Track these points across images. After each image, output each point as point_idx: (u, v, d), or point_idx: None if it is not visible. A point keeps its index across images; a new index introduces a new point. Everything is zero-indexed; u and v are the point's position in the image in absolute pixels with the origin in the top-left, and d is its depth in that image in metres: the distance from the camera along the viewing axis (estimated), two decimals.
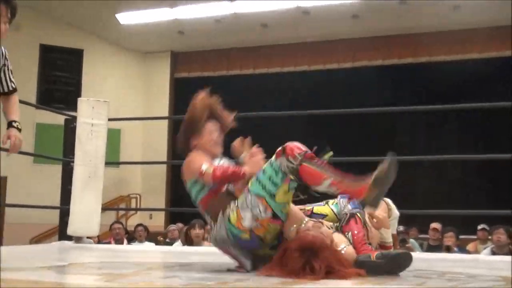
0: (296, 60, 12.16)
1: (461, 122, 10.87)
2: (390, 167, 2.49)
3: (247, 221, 2.57)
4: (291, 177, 2.55)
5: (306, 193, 2.62)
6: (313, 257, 2.34)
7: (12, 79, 2.80)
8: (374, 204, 2.54)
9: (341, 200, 2.78)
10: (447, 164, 10.43)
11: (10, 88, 2.76)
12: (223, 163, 2.79)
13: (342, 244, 2.56)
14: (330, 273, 2.30)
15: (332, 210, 2.80)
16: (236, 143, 2.95)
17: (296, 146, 2.59)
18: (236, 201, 2.63)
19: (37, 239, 10.57)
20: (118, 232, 8.05)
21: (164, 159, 12.28)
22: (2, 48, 2.71)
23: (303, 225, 2.62)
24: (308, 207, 2.85)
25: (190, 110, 2.99)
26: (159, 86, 12.95)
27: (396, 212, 3.10)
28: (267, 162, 2.63)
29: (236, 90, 12.14)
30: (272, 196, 2.57)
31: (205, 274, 2.53)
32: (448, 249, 6.55)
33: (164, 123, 12.63)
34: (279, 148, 2.60)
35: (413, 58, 11.52)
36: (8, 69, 2.77)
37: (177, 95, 12.90)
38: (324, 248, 2.40)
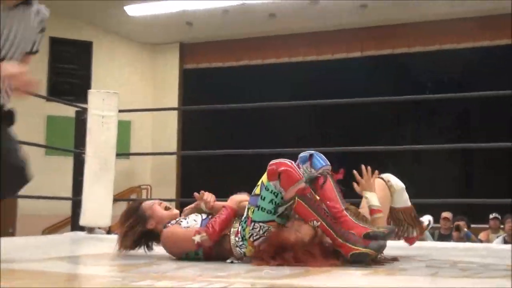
0: (305, 50, 12.10)
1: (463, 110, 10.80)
2: (385, 239, 2.45)
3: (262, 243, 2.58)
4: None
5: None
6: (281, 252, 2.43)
7: (40, 43, 2.82)
8: (357, 261, 2.43)
9: (304, 166, 2.68)
10: (455, 153, 10.38)
11: (35, 50, 2.74)
12: (191, 220, 2.80)
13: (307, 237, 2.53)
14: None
15: None
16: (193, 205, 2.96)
17: (291, 174, 2.50)
18: (240, 236, 2.64)
19: (50, 230, 10.63)
20: None
21: (174, 150, 12.30)
22: (44, 10, 2.72)
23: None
24: None
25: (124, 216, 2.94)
26: (168, 78, 12.94)
27: (399, 184, 3.00)
28: (260, 186, 2.58)
29: (245, 80, 12.13)
30: (282, 216, 2.58)
31: (218, 265, 2.53)
32: (458, 229, 6.49)
33: (174, 114, 12.63)
34: (271, 169, 2.52)
35: (422, 46, 11.44)
36: (43, 33, 2.77)
37: (186, 86, 12.88)
38: (297, 245, 2.44)
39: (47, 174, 11.29)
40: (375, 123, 11.01)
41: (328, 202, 2.58)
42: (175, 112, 12.69)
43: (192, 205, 2.96)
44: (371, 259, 2.44)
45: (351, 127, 10.84)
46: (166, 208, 2.91)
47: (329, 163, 2.70)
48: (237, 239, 2.65)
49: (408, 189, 3.02)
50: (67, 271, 2.32)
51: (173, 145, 12.41)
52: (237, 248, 2.64)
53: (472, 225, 7.45)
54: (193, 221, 2.79)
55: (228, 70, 12.38)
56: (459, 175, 10.85)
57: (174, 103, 12.49)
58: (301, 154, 2.72)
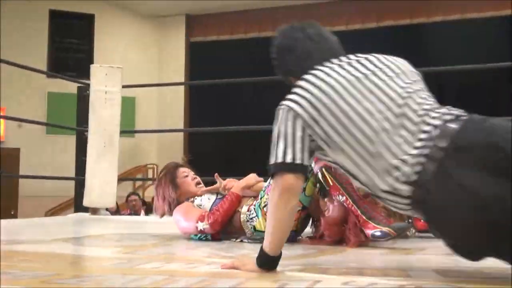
0: (320, 21, 11.97)
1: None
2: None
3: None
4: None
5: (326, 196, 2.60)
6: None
7: None
8: (379, 240, 2.45)
9: None
10: None
11: None
12: (205, 198, 2.86)
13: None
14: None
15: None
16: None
17: None
18: (253, 208, 2.67)
19: (53, 212, 10.71)
20: (134, 204, 8.13)
21: (181, 127, 12.30)
22: None
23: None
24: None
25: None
26: (174, 51, 12.91)
27: None
28: None
29: (255, 53, 12.05)
30: (302, 189, 2.56)
31: (228, 245, 2.54)
32: None
33: (180, 90, 12.61)
34: None
35: (427, 18, 11.33)
36: None
37: (193, 60, 12.84)
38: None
39: (48, 153, 11.39)
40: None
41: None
42: (182, 88, 12.67)
43: (210, 187, 2.99)
44: (392, 239, 2.45)
45: None
46: (197, 184, 2.98)
47: None
48: (248, 213, 2.70)
49: None
50: (71, 253, 2.34)
51: (180, 122, 12.42)
52: (247, 223, 2.69)
53: None
54: (206, 200, 2.87)
55: (237, 42, 12.31)
56: None
57: (181, 78, 12.47)
58: None
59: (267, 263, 1.66)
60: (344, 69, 1.69)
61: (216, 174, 2.99)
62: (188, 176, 2.98)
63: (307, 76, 1.70)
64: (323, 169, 2.52)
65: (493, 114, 1.60)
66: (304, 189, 2.58)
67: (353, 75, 1.66)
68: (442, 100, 1.76)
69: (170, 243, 2.67)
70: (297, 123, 1.63)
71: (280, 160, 1.62)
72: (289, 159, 1.61)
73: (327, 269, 1.74)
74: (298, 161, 1.61)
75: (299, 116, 1.63)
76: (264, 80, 6.33)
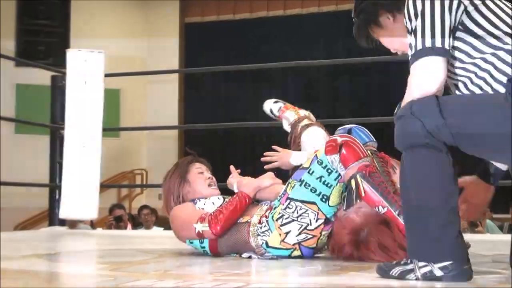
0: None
1: None
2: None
3: (293, 236, 2.62)
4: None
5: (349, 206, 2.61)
6: (363, 240, 2.47)
7: None
8: None
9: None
10: None
11: None
12: (209, 202, 2.86)
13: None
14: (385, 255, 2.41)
15: None
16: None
17: (354, 148, 2.54)
18: (265, 220, 2.66)
19: (23, 226, 10.75)
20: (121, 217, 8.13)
21: (175, 124, 12.30)
22: None
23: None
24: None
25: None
26: (166, 34, 12.91)
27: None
28: (312, 159, 2.61)
29: (262, 35, 12.07)
30: (325, 199, 2.59)
31: (231, 261, 2.55)
32: None
33: (174, 79, 12.60)
34: (331, 141, 2.58)
35: None
36: None
37: (189, 44, 12.84)
38: (370, 222, 2.51)
39: (17, 155, 11.41)
40: None
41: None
42: (175, 77, 12.68)
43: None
44: None
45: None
46: (210, 185, 2.98)
47: (373, 138, 2.71)
48: (259, 226, 2.67)
49: None
50: (46, 270, 2.36)
51: (173, 119, 12.42)
52: (258, 237, 2.66)
53: None
54: (211, 204, 2.85)
55: (241, 23, 12.32)
56: None
57: (174, 65, 12.48)
58: (340, 128, 2.74)
59: None
60: None
61: (232, 166, 3.00)
62: (202, 174, 2.98)
63: None
64: (358, 176, 2.51)
65: None
66: (328, 198, 2.59)
67: None
68: None
69: (163, 259, 2.69)
70: None
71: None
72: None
73: None
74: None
75: None
76: (272, 66, 6.35)
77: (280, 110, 3.39)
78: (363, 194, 2.50)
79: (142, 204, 9.25)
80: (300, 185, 2.60)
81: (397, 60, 5.41)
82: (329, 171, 2.56)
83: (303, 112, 3.31)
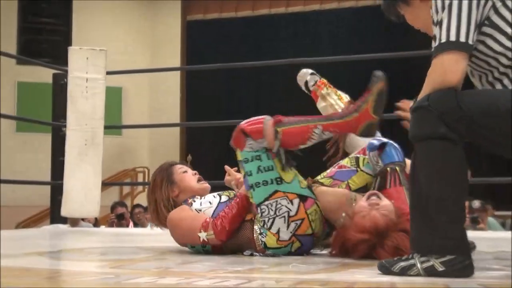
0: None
1: None
2: (384, 81, 2.54)
3: (284, 231, 2.62)
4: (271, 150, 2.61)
5: (294, 158, 2.65)
6: (380, 243, 2.42)
7: None
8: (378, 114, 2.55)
9: (371, 154, 2.77)
10: None
11: None
12: (205, 202, 2.84)
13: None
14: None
15: (365, 172, 2.81)
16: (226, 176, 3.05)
17: (251, 122, 2.62)
18: (259, 224, 2.66)
19: (25, 224, 10.77)
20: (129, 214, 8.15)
21: (177, 121, 12.30)
22: None
23: (353, 205, 2.61)
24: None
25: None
26: (168, 32, 12.92)
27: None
28: (240, 165, 2.68)
29: (265, 33, 12.08)
30: (279, 180, 2.61)
31: (232, 259, 2.56)
32: None
33: (176, 77, 12.62)
34: (233, 139, 2.64)
35: None
36: None
37: (191, 42, 12.86)
38: (391, 228, 2.45)
39: (19, 154, 11.43)
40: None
41: (392, 201, 2.61)
42: (177, 75, 12.68)
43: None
44: None
45: None
46: (199, 180, 2.97)
47: (404, 158, 2.72)
48: (259, 226, 2.67)
49: None
50: (48, 268, 2.37)
51: (175, 116, 12.43)
52: (259, 237, 2.66)
53: None
54: (207, 204, 2.82)
55: (244, 21, 12.33)
56: None
57: (176, 62, 12.49)
58: (372, 140, 2.76)
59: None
60: None
61: (226, 166, 3.00)
62: (187, 172, 2.96)
63: None
64: (277, 129, 2.58)
65: None
66: (281, 178, 2.61)
67: None
68: None
69: (164, 257, 2.70)
70: None
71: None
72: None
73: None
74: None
75: None
76: (277, 63, 6.34)
77: (315, 85, 3.32)
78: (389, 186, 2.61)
79: (135, 203, 9.27)
80: (254, 189, 2.62)
81: (397, 57, 5.43)
82: (258, 157, 2.60)
83: (345, 96, 3.24)
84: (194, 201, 2.86)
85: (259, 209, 2.62)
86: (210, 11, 12.78)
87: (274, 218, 2.60)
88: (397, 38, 10.83)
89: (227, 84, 11.67)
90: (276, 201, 2.58)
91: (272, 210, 2.59)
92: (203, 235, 2.67)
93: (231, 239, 2.71)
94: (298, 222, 2.60)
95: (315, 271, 2.14)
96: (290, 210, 2.59)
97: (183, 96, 12.74)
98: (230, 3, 12.59)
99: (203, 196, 2.89)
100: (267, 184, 2.59)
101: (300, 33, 11.56)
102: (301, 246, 2.64)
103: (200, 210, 2.80)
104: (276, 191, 2.59)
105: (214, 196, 2.87)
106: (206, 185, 2.95)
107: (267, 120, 2.59)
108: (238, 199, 2.73)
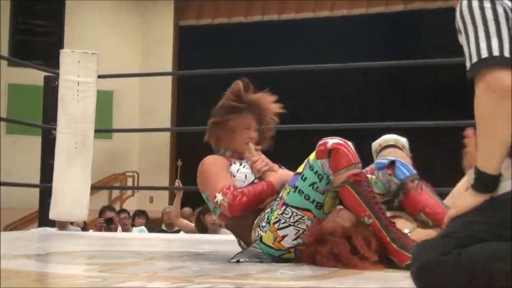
0: (333, 3, 12.07)
1: None
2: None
3: (289, 240, 2.61)
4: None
5: None
6: (320, 246, 2.46)
7: None
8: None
9: (380, 173, 2.75)
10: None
11: None
12: (244, 170, 2.82)
13: (406, 229, 2.57)
14: (338, 262, 2.40)
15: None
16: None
17: (345, 153, 2.50)
18: (266, 216, 2.65)
19: (13, 227, 10.74)
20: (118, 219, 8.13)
21: (168, 126, 12.30)
22: None
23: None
24: None
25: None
26: (160, 37, 12.94)
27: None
28: (304, 164, 2.59)
29: (257, 39, 12.10)
30: (319, 206, 2.57)
31: (220, 265, 2.56)
32: None
33: (167, 82, 12.63)
34: (321, 145, 2.53)
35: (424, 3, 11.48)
36: None
37: (183, 47, 12.88)
38: (335, 235, 2.47)
39: (8, 156, 11.39)
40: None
41: (427, 209, 2.61)
42: (169, 79, 12.69)
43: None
44: None
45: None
46: (249, 142, 2.90)
47: (414, 171, 2.72)
48: (262, 218, 2.67)
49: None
50: (36, 270, 2.37)
51: (166, 121, 12.43)
52: (257, 229, 2.66)
53: None
54: (243, 176, 2.79)
55: (236, 27, 12.35)
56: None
57: (168, 67, 12.49)
58: (379, 160, 2.75)
59: (488, 183, 1.65)
60: None
61: (250, 143, 2.91)
62: (249, 130, 2.93)
63: None
64: (347, 185, 2.48)
65: None
66: (322, 206, 2.57)
67: None
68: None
69: (153, 261, 2.70)
70: None
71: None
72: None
73: None
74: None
75: None
76: (269, 70, 6.36)
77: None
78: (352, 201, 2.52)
79: (136, 208, 9.27)
80: (295, 191, 2.58)
81: (395, 65, 5.45)
82: (320, 176, 2.52)
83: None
84: (235, 163, 2.84)
85: (285, 207, 2.58)
86: (203, 16, 12.80)
87: (289, 225, 2.58)
88: (389, 45, 10.94)
89: (219, 90, 11.66)
90: (303, 216, 2.56)
91: (293, 218, 2.57)
92: (219, 197, 2.67)
93: (236, 221, 2.72)
94: (305, 241, 2.60)
95: (303, 278, 2.15)
96: (307, 230, 2.58)
97: (174, 101, 12.74)
98: (223, 9, 12.62)
99: (243, 164, 2.85)
100: (308, 199, 2.55)
101: (292, 40, 11.59)
102: (293, 258, 2.64)
103: (234, 176, 2.79)
104: (309, 210, 2.56)
105: (252, 174, 2.82)
106: (257, 152, 2.88)
107: (353, 168, 2.49)
108: (265, 186, 2.71)
